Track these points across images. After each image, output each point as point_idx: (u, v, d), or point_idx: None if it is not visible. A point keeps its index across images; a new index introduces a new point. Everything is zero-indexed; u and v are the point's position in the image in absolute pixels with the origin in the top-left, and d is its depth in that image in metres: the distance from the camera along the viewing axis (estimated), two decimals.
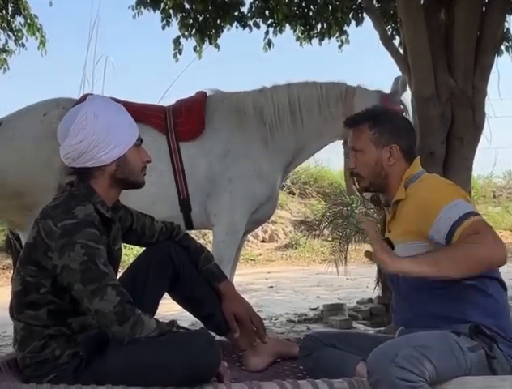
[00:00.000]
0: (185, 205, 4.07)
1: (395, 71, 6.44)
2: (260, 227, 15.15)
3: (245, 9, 7.81)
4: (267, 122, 4.25)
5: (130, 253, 10.54)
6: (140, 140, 2.59)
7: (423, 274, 2.11)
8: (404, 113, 4.30)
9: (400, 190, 2.49)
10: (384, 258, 2.09)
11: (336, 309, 7.33)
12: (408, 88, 4.74)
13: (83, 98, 4.05)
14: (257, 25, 7.84)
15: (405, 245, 2.43)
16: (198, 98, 4.32)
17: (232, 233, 4.17)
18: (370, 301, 7.67)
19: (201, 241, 11.27)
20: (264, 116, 4.26)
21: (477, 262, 2.15)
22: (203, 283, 2.77)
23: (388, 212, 2.59)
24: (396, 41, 7.04)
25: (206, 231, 10.71)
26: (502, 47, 7.68)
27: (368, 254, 2.16)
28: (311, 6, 7.66)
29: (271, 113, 4.25)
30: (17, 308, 2.45)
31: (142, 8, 7.79)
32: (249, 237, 14.77)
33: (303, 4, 7.68)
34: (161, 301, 2.81)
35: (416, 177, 2.51)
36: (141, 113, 3.88)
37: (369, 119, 2.58)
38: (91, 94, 4.11)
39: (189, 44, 7.99)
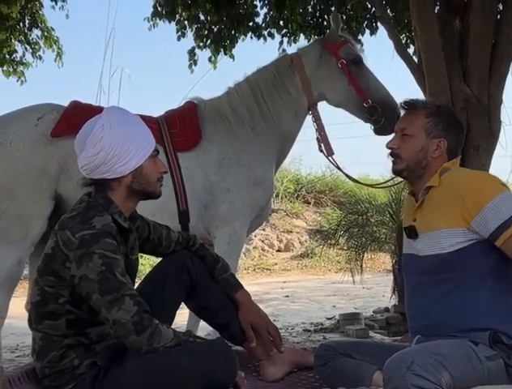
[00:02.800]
0: (183, 216, 4.04)
1: (410, 80, 6.46)
2: (276, 236, 15.22)
3: (259, 19, 7.85)
4: (246, 122, 4.18)
5: (147, 263, 10.57)
6: (156, 151, 2.60)
7: None
8: (349, 44, 4.25)
9: (435, 177, 2.49)
10: None
11: (352, 318, 7.31)
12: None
13: (70, 106, 4.04)
14: (271, 35, 7.86)
15: (434, 232, 2.43)
16: (188, 107, 4.26)
17: (234, 243, 4.12)
18: (387, 310, 7.65)
19: None
20: (241, 116, 4.20)
21: None
22: (219, 292, 2.77)
23: (414, 201, 2.57)
24: (411, 50, 7.03)
25: None
26: None
27: None
28: (325, 16, 7.66)
29: (245, 112, 4.20)
30: (36, 318, 2.46)
31: (158, 20, 7.85)
32: (265, 246, 14.80)
33: (317, 14, 7.69)
34: (177, 311, 2.82)
35: (449, 169, 2.52)
36: None
37: (429, 108, 2.60)
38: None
39: (204, 54, 8.03)
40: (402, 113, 2.65)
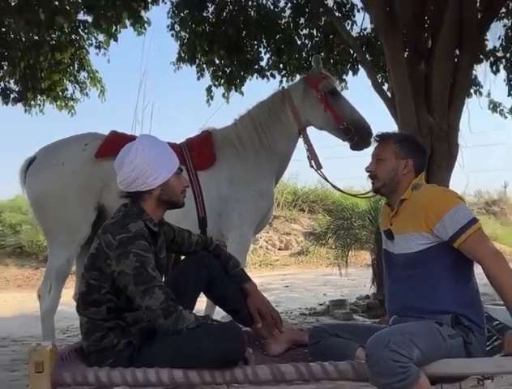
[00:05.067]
0: (202, 222, 4.05)
1: (385, 111, 6.46)
2: (277, 237, 15.20)
3: (263, 63, 7.90)
4: (248, 147, 4.22)
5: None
6: (180, 169, 2.60)
7: None
8: (328, 79, 4.25)
9: (408, 191, 2.51)
10: None
11: (340, 304, 7.31)
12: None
13: (110, 135, 4.10)
14: (273, 76, 7.92)
15: (405, 235, 2.44)
16: (205, 135, 4.29)
17: (242, 244, 4.15)
18: (367, 297, 7.63)
19: None
20: (244, 143, 4.23)
21: None
22: (232, 284, 2.75)
23: (391, 210, 2.58)
24: (385, 87, 7.04)
25: None
26: (471, 91, 7.67)
27: None
28: None
29: (247, 139, 4.24)
30: (82, 305, 2.46)
31: (182, 63, 7.89)
32: (268, 245, 14.78)
33: (309, 58, 7.71)
34: (197, 299, 2.80)
35: (421, 184, 2.53)
36: None
37: (396, 137, 2.63)
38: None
39: (218, 91, 8.05)
40: (375, 144, 2.66)
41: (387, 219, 2.60)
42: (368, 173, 2.61)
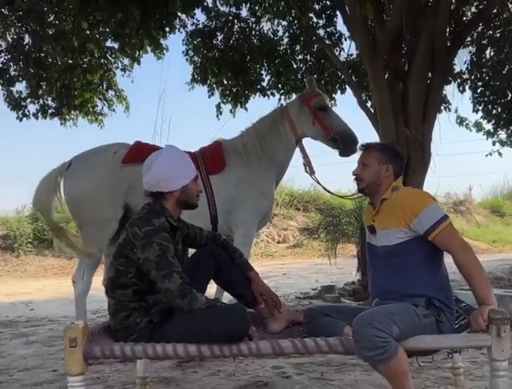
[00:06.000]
0: (214, 219, 4.06)
1: (368, 124, 6.46)
2: (276, 232, 15.17)
3: (264, 83, 7.89)
4: (252, 155, 4.22)
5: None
6: (197, 176, 2.63)
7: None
8: (319, 97, 4.25)
9: (388, 192, 2.52)
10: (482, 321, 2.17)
11: (330, 289, 7.29)
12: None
13: (135, 144, 4.10)
14: (273, 94, 7.91)
15: (386, 231, 2.44)
16: (216, 145, 4.29)
17: (247, 237, 4.14)
18: (353, 283, 7.61)
19: None
20: (249, 151, 4.24)
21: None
22: (237, 272, 2.75)
23: (373, 209, 2.58)
24: (368, 104, 7.03)
25: None
26: (442, 107, 7.68)
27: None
28: None
29: (251, 148, 4.24)
30: (110, 288, 2.47)
31: (195, 84, 7.90)
32: (268, 239, 14.75)
33: (304, 80, 7.72)
34: (208, 285, 2.80)
35: (399, 187, 2.55)
36: None
37: (378, 146, 2.66)
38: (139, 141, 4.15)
39: (226, 107, 8.06)
40: (360, 152, 2.66)
41: (370, 216, 2.60)
42: (354, 176, 2.62)
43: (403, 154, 5.84)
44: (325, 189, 4.68)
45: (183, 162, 2.59)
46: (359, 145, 2.74)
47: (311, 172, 4.26)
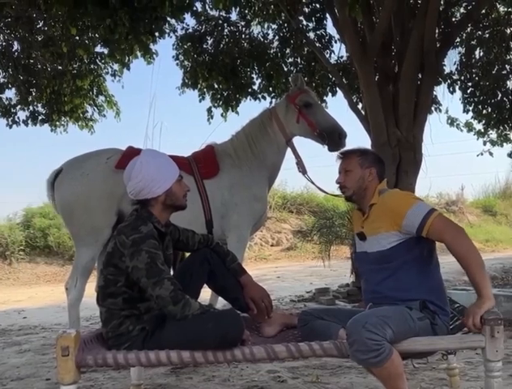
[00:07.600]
0: (209, 224, 4.03)
1: (360, 126, 6.46)
2: (270, 235, 15.17)
3: (255, 87, 7.89)
4: (243, 158, 4.19)
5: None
6: (180, 176, 2.59)
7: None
8: (304, 93, 4.20)
9: (375, 197, 2.50)
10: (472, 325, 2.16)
11: (324, 291, 7.29)
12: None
13: (128, 149, 4.03)
14: (264, 97, 7.91)
15: (376, 236, 2.43)
16: (208, 149, 4.26)
17: (241, 241, 4.10)
18: (347, 285, 7.58)
19: None
20: (240, 155, 4.20)
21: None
22: (230, 276, 2.74)
23: (361, 215, 2.57)
24: (359, 106, 7.04)
25: None
26: (432, 108, 7.71)
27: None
28: None
29: (242, 152, 4.21)
30: (101, 297, 2.45)
31: (185, 88, 7.88)
32: (262, 242, 14.74)
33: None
34: (202, 290, 2.78)
35: (385, 190, 2.54)
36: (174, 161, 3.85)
37: (358, 151, 2.62)
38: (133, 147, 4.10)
39: (217, 111, 8.05)
40: (339, 160, 2.64)
41: (359, 222, 2.58)
42: (338, 185, 2.60)
43: (394, 156, 5.87)
44: (318, 188, 4.66)
45: (163, 165, 2.53)
46: (338, 153, 2.70)
47: (303, 171, 4.24)
